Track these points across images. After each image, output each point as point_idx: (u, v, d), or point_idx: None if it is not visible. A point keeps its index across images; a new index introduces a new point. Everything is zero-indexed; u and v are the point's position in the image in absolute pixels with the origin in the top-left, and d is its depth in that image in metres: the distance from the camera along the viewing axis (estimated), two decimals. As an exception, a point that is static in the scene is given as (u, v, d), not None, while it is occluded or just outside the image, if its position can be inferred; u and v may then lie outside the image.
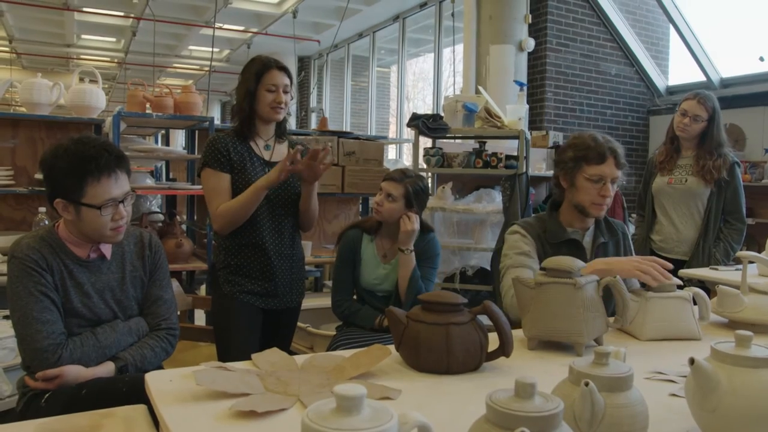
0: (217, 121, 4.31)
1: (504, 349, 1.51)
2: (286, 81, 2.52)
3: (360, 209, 5.17)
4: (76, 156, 1.83)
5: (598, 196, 2.20)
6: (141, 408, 1.56)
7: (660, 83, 7.96)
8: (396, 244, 2.74)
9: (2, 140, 4.08)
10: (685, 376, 1.43)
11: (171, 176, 5.54)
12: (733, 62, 7.44)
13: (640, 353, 1.68)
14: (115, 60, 13.29)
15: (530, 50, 6.82)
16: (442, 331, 1.47)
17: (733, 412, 1.02)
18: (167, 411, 1.20)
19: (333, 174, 4.62)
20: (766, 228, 6.00)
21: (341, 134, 4.94)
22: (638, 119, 7.89)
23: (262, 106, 2.49)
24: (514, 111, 4.22)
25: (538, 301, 1.68)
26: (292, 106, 13.08)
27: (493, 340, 1.52)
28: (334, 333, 2.84)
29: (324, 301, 3.83)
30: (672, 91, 7.91)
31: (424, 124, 4.07)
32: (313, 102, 12.44)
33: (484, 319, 1.56)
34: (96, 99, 4.12)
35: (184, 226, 4.58)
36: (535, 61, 7.17)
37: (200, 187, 4.18)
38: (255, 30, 10.67)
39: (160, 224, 4.32)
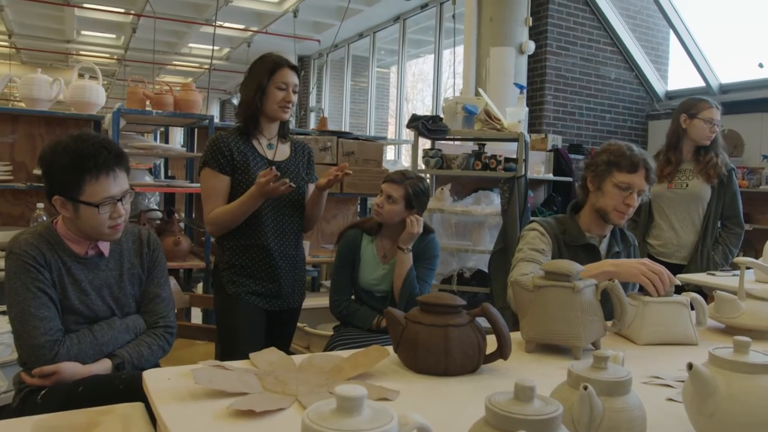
0: (216, 120, 4.31)
1: (502, 352, 1.51)
2: (296, 80, 2.51)
3: (358, 209, 5.17)
4: (75, 153, 1.83)
5: (623, 204, 2.22)
6: (138, 406, 1.56)
7: (659, 88, 7.97)
8: (396, 245, 2.74)
9: (1, 135, 4.08)
10: (682, 381, 1.44)
11: (170, 174, 5.54)
12: (733, 68, 7.46)
13: (638, 357, 1.68)
14: (115, 56, 13.27)
15: (530, 53, 6.83)
16: (440, 333, 1.47)
17: (730, 418, 1.02)
18: (165, 409, 1.20)
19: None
20: (764, 234, 6.00)
21: (341, 134, 4.94)
22: (637, 123, 7.90)
23: (271, 104, 2.47)
24: (514, 114, 4.22)
25: (536, 303, 1.69)
26: (292, 106, 13.11)
27: (491, 343, 1.52)
28: (332, 333, 2.84)
29: (321, 300, 3.82)
30: (671, 96, 7.93)
31: (424, 126, 4.07)
32: (312, 101, 12.45)
33: (483, 322, 1.57)
34: (96, 95, 4.11)
35: (182, 224, 4.58)
36: (535, 64, 7.18)
37: (199, 185, 4.18)
38: (255, 29, 10.66)
39: (158, 222, 4.32)
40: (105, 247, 1.98)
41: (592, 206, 2.29)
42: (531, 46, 6.75)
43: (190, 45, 12.42)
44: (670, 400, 1.35)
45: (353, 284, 2.80)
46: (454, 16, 8.38)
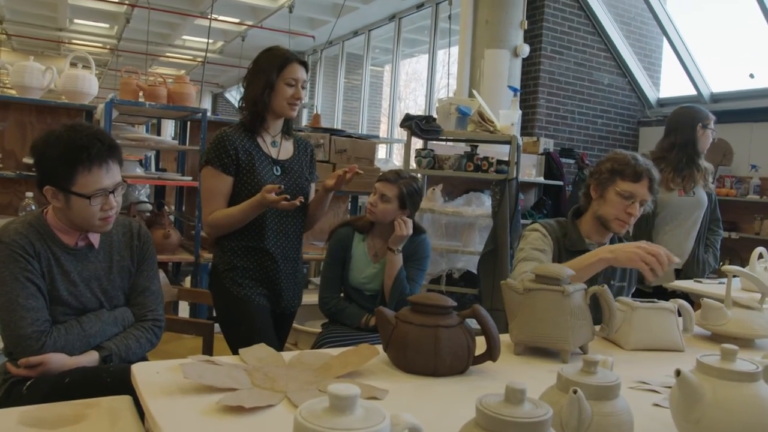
0: (209, 113, 4.30)
1: (491, 354, 1.52)
2: (305, 76, 2.43)
3: (349, 207, 5.17)
4: (68, 144, 1.82)
5: (624, 213, 2.24)
6: (126, 399, 1.55)
7: (651, 95, 8.02)
8: (387, 244, 2.75)
9: (-9, 123, 4.05)
10: (669, 387, 1.45)
11: (161, 166, 5.52)
12: (724, 78, 7.52)
13: (625, 362, 1.69)
14: (108, 46, 13.20)
15: (525, 56, 6.85)
16: (430, 333, 1.47)
17: (716, 425, 1.03)
18: (154, 403, 1.20)
19: (322, 171, 4.61)
20: (751, 242, 6.06)
21: (333, 131, 4.94)
22: (628, 129, 7.94)
23: (279, 100, 2.38)
24: (507, 116, 4.23)
25: (525, 306, 1.70)
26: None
27: (481, 344, 1.53)
28: (320, 330, 2.85)
29: (310, 297, 3.81)
30: (663, 103, 7.98)
31: (417, 126, 4.08)
32: (305, 98, 12.42)
33: (474, 323, 1.57)
34: (89, 85, 4.09)
35: (172, 217, 4.57)
36: (529, 68, 7.21)
37: (190, 178, 4.18)
38: (250, 23, 10.63)
39: (148, 214, 4.30)
40: (95, 238, 1.98)
41: (594, 213, 2.30)
42: (525, 50, 6.77)
43: (184, 37, 12.38)
44: (657, 405, 1.36)
45: (343, 282, 2.81)
46: (449, 17, 8.39)
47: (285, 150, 2.49)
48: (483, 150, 4.42)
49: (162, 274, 2.59)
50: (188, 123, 4.79)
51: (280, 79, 2.36)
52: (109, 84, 15.91)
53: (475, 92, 4.85)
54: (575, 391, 0.96)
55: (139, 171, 4.20)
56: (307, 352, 1.57)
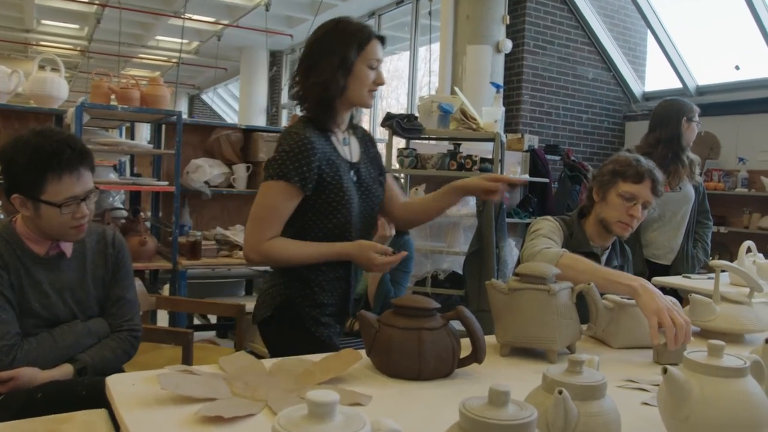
0: (185, 116, 4.28)
1: (476, 356, 1.52)
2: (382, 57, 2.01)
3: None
4: (36, 151, 1.80)
5: (627, 215, 2.27)
6: (101, 413, 1.54)
7: (636, 89, 8.09)
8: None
9: (-43, 129, 4.01)
10: (657, 385, 1.46)
11: (135, 171, 5.48)
12: (710, 70, 7.59)
13: (613, 361, 1.71)
14: (78, 48, 13.09)
15: (507, 52, 6.88)
16: (414, 336, 1.48)
17: (705, 422, 1.04)
18: (129, 416, 1.19)
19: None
20: (739, 236, 6.12)
21: (313, 132, 4.94)
22: (614, 124, 8.00)
23: (359, 87, 1.93)
24: (490, 113, 4.25)
25: (511, 306, 1.70)
26: (263, 101, 12.88)
27: (466, 347, 1.54)
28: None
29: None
30: (648, 97, 8.05)
31: (399, 124, 4.09)
32: (284, 98, 12.41)
33: (459, 326, 1.58)
34: (57, 89, 4.06)
35: (148, 224, 4.54)
36: (512, 63, 7.24)
37: (166, 183, 4.15)
38: (226, 22, 10.60)
39: (123, 221, 4.27)
40: (67, 247, 1.96)
41: (597, 216, 2.34)
42: (508, 45, 6.81)
43: (158, 38, 12.31)
44: (645, 404, 1.38)
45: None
46: (430, 13, 8.41)
47: (355, 149, 2.06)
48: (466, 148, 4.44)
49: (139, 283, 2.57)
50: (163, 126, 4.76)
51: (361, 60, 1.92)
52: (80, 87, 15.78)
53: (457, 89, 4.87)
54: (560, 392, 0.96)
55: (113, 176, 4.17)
56: (289, 358, 1.57)
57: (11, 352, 1.78)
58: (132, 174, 5.31)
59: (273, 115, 12.41)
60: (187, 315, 4.54)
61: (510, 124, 7.22)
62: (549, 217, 2.34)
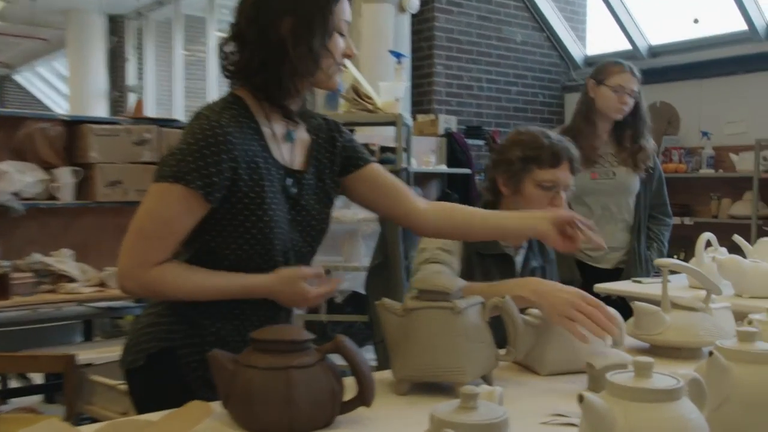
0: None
1: (363, 397, 1.52)
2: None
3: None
4: None
5: (549, 207, 2.31)
6: None
7: (576, 53, 8.35)
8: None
9: None
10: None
11: None
12: (664, 27, 7.91)
13: (539, 392, 1.75)
14: None
15: (414, 11, 6.97)
16: (281, 378, 1.47)
17: (631, 458, 1.08)
18: None
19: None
20: (707, 228, 6.38)
21: (164, 122, 4.86)
22: (551, 97, 8.24)
23: (329, 61, 1.82)
24: (390, 89, 4.30)
25: (408, 331, 1.72)
26: (102, 83, 12.58)
27: (351, 386, 1.54)
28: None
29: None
30: (591, 62, 8.31)
31: (273, 107, 4.07)
32: (130, 78, 12.14)
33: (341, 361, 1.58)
34: None
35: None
36: (421, 26, 7.34)
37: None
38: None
39: None
40: None
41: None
42: (414, 3, 6.89)
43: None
44: (573, 441, 1.41)
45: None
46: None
47: (300, 149, 1.92)
48: (362, 135, 4.47)
49: None
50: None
51: (333, 20, 1.81)
52: None
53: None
54: (449, 435, 0.98)
55: None
56: (120, 421, 1.53)
57: None
58: None
59: (116, 100, 12.12)
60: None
61: (420, 103, 7.31)
62: None
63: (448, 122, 6.83)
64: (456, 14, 7.49)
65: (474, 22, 7.63)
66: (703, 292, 2.19)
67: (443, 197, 6.43)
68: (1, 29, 12.69)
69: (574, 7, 8.43)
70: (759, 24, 6.88)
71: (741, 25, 7.02)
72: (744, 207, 6.72)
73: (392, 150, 4.24)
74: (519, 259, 2.45)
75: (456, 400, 1.10)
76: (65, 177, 4.38)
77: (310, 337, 1.55)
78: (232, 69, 1.83)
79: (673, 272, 2.43)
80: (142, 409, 1.81)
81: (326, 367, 1.53)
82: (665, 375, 1.17)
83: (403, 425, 1.54)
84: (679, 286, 3.05)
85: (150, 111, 9.71)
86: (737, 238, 3.12)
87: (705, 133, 7.03)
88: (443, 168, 6.50)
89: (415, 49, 7.27)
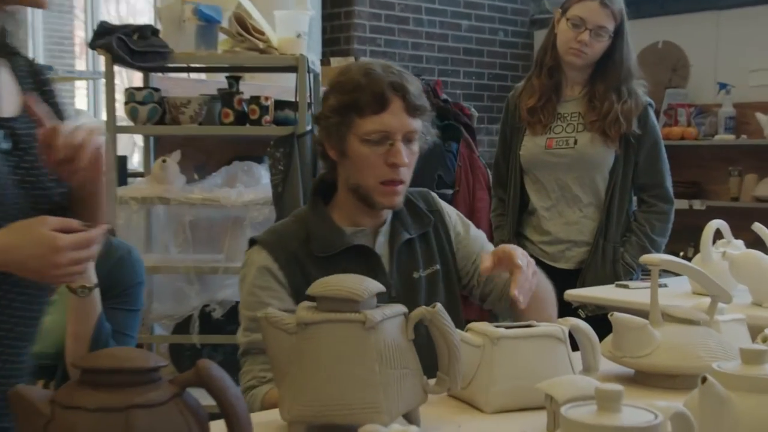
0: None
1: (235, 446, 1.53)
2: None
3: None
4: None
5: (387, 168, 2.33)
6: None
7: (548, -26, 8.42)
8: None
9: None
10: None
11: None
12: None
13: (481, 436, 1.78)
14: None
15: None
16: (118, 422, 1.45)
17: None
18: None
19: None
20: (724, 213, 6.42)
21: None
22: (516, 35, 8.30)
23: None
24: (289, 21, 4.29)
25: (303, 354, 1.72)
26: None
27: (219, 430, 1.54)
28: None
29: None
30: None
31: (123, 44, 4.04)
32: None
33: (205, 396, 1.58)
34: None
35: None
36: (335, -68, 7.33)
37: None
38: None
39: None
40: None
41: (346, 185, 2.43)
42: None
43: None
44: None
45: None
46: None
47: (8, 89, 2.00)
48: (251, 85, 4.45)
49: None
50: None
51: None
52: None
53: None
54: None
55: None
56: None
57: None
58: None
59: None
60: None
61: (334, 42, 7.29)
62: (256, 249, 2.42)
63: (372, 68, 6.83)
64: None
65: (409, -71, 7.64)
66: (708, 300, 2.23)
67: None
68: None
69: None
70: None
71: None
72: (775, 186, 6.78)
73: (291, 106, 4.23)
74: (382, 240, 2.50)
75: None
76: None
77: (161, 364, 1.54)
78: None
79: (667, 273, 2.48)
80: None
81: (183, 406, 1.52)
82: (639, 408, 1.20)
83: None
84: (678, 293, 3.10)
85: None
86: (758, 227, 3.14)
87: (723, 86, 7.03)
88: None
89: (328, -34, 7.27)
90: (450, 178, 5.86)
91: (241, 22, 4.20)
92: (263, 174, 4.48)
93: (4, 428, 1.86)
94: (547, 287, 2.58)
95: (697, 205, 6.88)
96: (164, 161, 4.44)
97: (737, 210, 6.56)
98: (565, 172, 3.73)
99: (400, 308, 1.80)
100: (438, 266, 2.57)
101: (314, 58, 4.32)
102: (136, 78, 4.57)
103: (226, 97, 4.26)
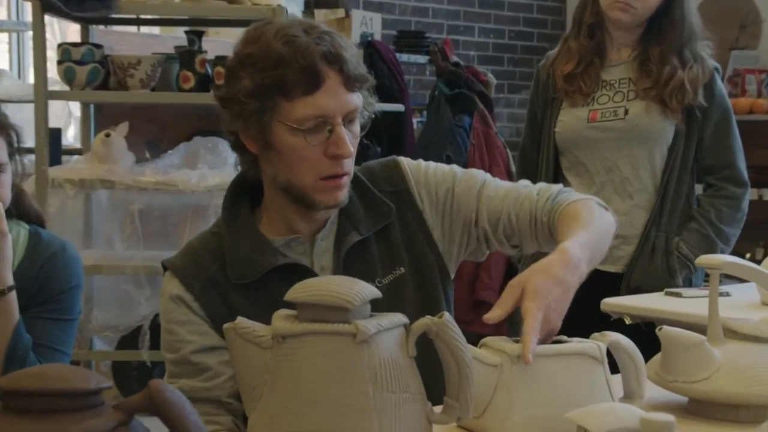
0: None
1: (194, 487, 1.53)
2: None
3: None
4: None
5: (328, 161, 2.30)
6: None
7: None
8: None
9: None
10: None
11: None
12: None
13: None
14: None
15: None
16: (46, 457, 1.47)
17: None
18: None
19: None
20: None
21: None
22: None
23: None
24: (264, -38, 4.30)
25: (280, 373, 1.73)
26: None
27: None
28: None
29: None
30: None
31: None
32: None
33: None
34: None
35: None
36: None
37: None
38: None
39: None
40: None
41: (274, 183, 2.37)
42: None
43: None
44: None
45: None
46: None
47: None
48: (216, 42, 4.46)
49: None
50: None
51: None
52: None
53: None
54: None
55: None
56: None
57: None
58: None
59: None
60: None
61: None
62: (167, 279, 2.41)
63: (366, 23, 6.84)
64: None
65: None
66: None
67: (361, 150, 6.45)
68: None
69: None
70: None
71: None
72: None
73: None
74: (322, 246, 2.45)
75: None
76: None
77: (104, 386, 1.55)
78: None
79: (730, 278, 2.49)
80: None
81: (131, 434, 1.54)
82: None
83: None
84: (743, 303, 3.09)
85: None
86: None
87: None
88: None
89: None
90: (461, 160, 5.88)
91: (205, -37, 4.22)
92: (231, 153, 4.48)
93: None
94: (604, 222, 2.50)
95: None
96: (108, 135, 4.45)
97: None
98: (613, 150, 3.73)
99: (400, 318, 1.80)
100: (403, 269, 2.50)
101: (295, 10, 4.34)
102: (73, 31, 4.56)
103: (186, 56, 4.26)
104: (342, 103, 2.27)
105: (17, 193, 2.81)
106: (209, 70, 4.24)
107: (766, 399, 2.08)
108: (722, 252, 3.62)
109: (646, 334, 2.74)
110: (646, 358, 2.10)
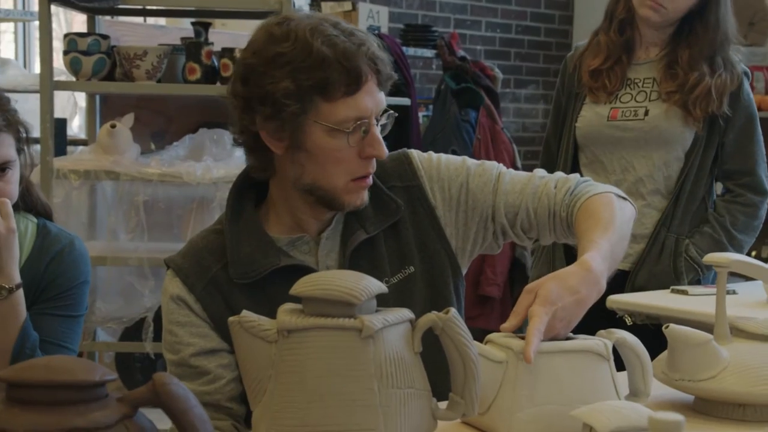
0: None
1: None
2: None
3: None
4: None
5: (362, 162, 2.30)
6: None
7: None
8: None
9: None
10: None
11: None
12: None
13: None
14: None
15: None
16: (53, 449, 1.47)
17: None
18: None
19: None
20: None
21: None
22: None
23: None
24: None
25: (285, 368, 1.73)
26: None
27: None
28: None
29: None
30: None
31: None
32: None
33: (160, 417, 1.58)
34: None
35: None
36: None
37: None
38: None
39: None
40: None
41: (294, 185, 2.33)
42: None
43: None
44: None
45: None
46: None
47: None
48: (223, 33, 4.45)
49: None
50: None
51: None
52: None
53: None
54: None
55: None
56: None
57: None
58: None
59: None
60: None
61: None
62: (167, 279, 2.40)
63: (373, 16, 6.83)
64: None
65: None
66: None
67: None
68: None
69: None
70: None
71: None
72: None
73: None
74: (329, 245, 2.43)
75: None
76: None
77: (108, 378, 1.55)
78: None
79: (737, 277, 2.48)
80: None
81: (135, 429, 1.53)
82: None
83: None
84: (750, 301, 3.09)
85: None
86: None
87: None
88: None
89: None
90: (467, 154, 5.82)
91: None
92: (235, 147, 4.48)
93: None
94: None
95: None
96: (113, 126, 4.44)
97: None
98: (630, 150, 3.72)
99: (405, 313, 1.80)
100: (413, 268, 2.48)
101: (302, 2, 4.31)
102: (79, 21, 4.55)
103: (192, 48, 4.26)
104: (377, 104, 2.28)
105: (26, 186, 2.80)
106: (215, 62, 4.24)
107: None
108: None
109: (652, 332, 2.74)
110: (652, 356, 2.09)
